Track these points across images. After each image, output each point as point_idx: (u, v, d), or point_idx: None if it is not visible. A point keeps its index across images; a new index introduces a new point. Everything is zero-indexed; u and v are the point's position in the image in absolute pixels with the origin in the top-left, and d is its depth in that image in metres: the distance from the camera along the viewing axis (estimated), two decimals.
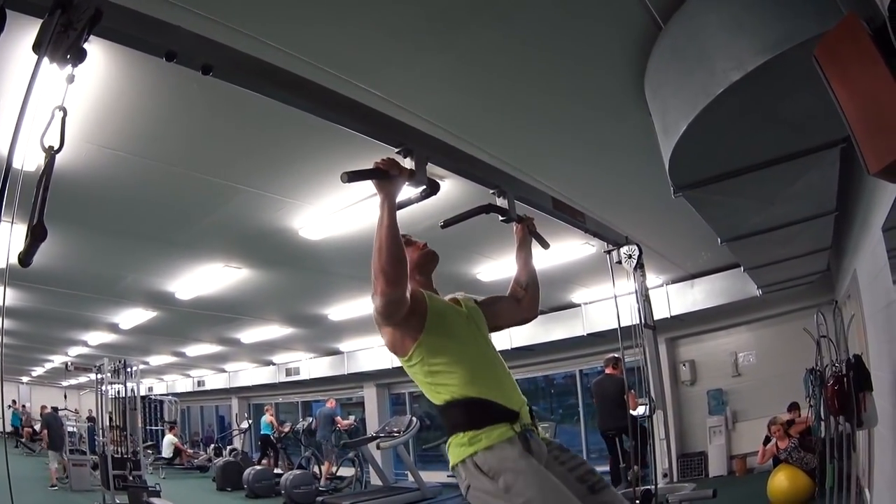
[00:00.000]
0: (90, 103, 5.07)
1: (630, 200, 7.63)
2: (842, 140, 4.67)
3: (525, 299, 4.10)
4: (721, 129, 4.33)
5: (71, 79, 2.42)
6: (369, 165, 3.15)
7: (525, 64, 4.82)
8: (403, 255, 3.05)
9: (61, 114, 2.40)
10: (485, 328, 3.64)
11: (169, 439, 23.61)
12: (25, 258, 2.36)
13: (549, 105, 5.43)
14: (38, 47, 2.33)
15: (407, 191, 3.45)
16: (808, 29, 3.13)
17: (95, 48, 4.29)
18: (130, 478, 13.77)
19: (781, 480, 9.87)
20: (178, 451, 23.79)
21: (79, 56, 2.38)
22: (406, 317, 3.23)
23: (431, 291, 3.63)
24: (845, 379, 6.79)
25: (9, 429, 34.35)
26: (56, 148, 2.39)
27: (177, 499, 12.52)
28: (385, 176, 3.09)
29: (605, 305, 11.75)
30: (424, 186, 3.51)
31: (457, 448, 3.21)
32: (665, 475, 6.12)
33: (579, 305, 14.07)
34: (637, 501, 5.42)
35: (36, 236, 2.33)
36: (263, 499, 16.79)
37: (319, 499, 14.52)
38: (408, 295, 3.16)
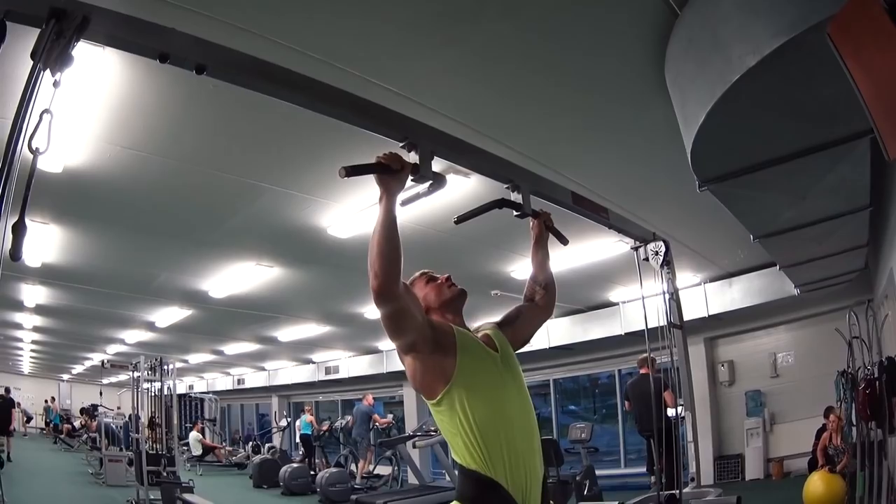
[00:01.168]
0: (112, 106, 5.17)
1: (657, 195, 7.47)
2: (870, 130, 4.53)
3: (541, 298, 3.96)
4: (742, 118, 4.23)
5: (57, 84, 2.47)
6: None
7: (537, 55, 4.74)
8: (397, 252, 2.92)
9: (48, 117, 2.43)
10: (519, 371, 3.44)
11: (194, 436, 23.66)
12: (14, 253, 2.39)
13: (566, 96, 5.35)
14: (35, 55, 2.43)
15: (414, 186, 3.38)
16: (824, 9, 3.01)
17: (112, 53, 4.31)
18: (164, 474, 13.85)
19: (817, 485, 9.60)
20: (208, 449, 23.89)
21: (65, 62, 2.46)
22: (430, 348, 3.12)
23: (463, 328, 3.45)
24: (877, 382, 6.62)
25: (41, 424, 35.12)
26: (43, 150, 2.43)
27: (211, 495, 12.54)
28: (385, 170, 3.01)
29: (646, 304, 11.48)
30: (430, 181, 3.41)
31: None
32: (692, 479, 5.99)
33: (617, 304, 13.96)
34: None
35: (17, 233, 2.37)
36: (299, 496, 16.78)
37: (354, 497, 14.47)
38: (396, 291, 2.99)
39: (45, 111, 2.41)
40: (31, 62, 2.42)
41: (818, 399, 11.31)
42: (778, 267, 9.86)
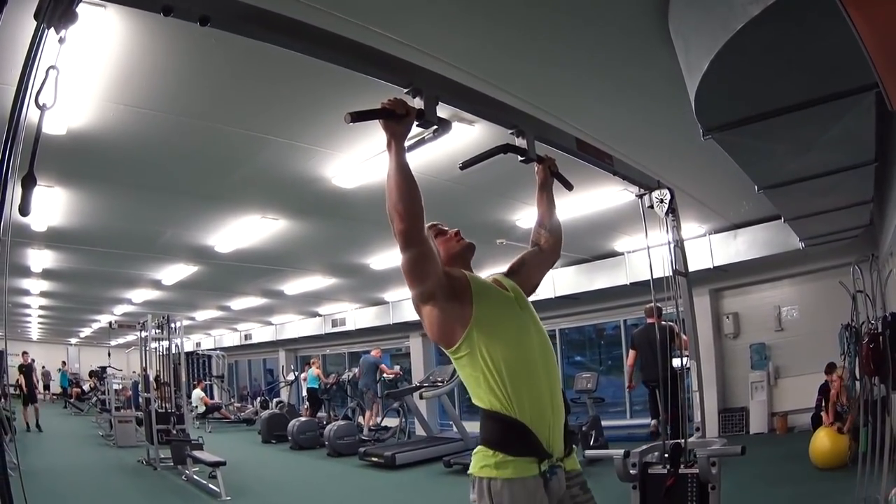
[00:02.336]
0: (112, 65, 5.20)
1: (661, 143, 7.48)
2: (876, 84, 4.52)
3: (548, 242, 4.00)
4: (746, 67, 4.23)
5: (62, 40, 2.47)
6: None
7: (540, 5, 4.73)
8: (415, 191, 2.95)
9: (55, 73, 2.43)
10: (533, 311, 3.49)
11: (196, 394, 24.06)
12: (23, 207, 2.41)
13: (570, 45, 5.33)
14: (38, 15, 2.41)
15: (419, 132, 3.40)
16: None
17: (112, 12, 4.31)
18: (174, 432, 13.99)
19: (823, 441, 9.61)
20: (211, 408, 24.11)
21: (70, 18, 2.45)
22: (446, 295, 3.16)
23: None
24: (881, 337, 6.63)
25: (58, 390, 35.27)
26: (49, 105, 2.42)
27: (220, 451, 12.61)
28: (391, 116, 3.01)
29: (651, 253, 11.38)
30: (435, 126, 3.41)
31: (480, 461, 3.16)
32: (698, 429, 6.02)
33: (622, 254, 14.02)
34: (666, 455, 5.35)
35: (26, 185, 2.42)
36: (308, 450, 16.94)
37: (362, 449, 14.58)
38: (421, 229, 3.04)
39: (52, 67, 2.42)
40: (31, 28, 2.43)
41: (822, 354, 11.31)
42: (783, 219, 9.84)
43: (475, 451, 3.22)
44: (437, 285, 3.13)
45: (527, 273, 3.80)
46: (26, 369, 20.75)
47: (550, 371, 3.31)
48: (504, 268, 3.83)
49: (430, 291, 3.14)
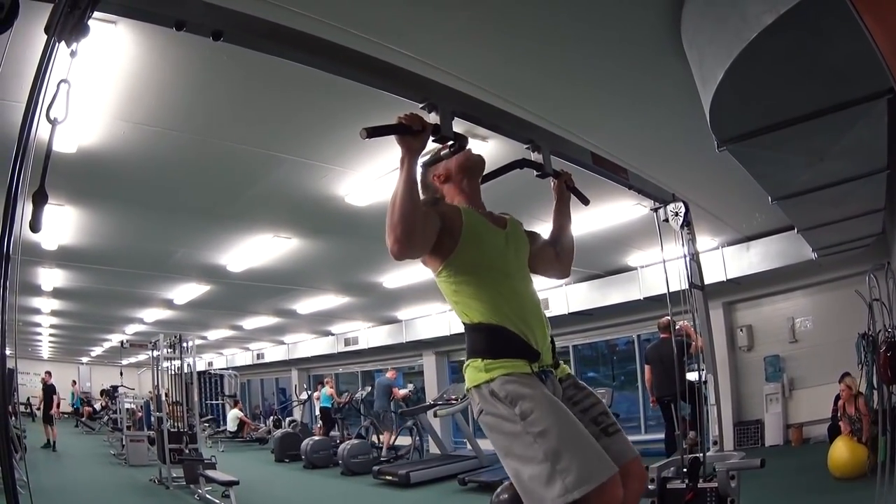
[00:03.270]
0: (123, 82, 5.22)
1: (676, 156, 7.49)
2: (888, 91, 4.51)
3: (560, 256, 3.99)
4: (760, 78, 4.23)
5: (74, 53, 2.48)
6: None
7: (552, 19, 4.74)
8: (416, 215, 2.95)
9: (66, 86, 2.44)
10: (523, 255, 3.58)
11: (234, 414, 24.49)
12: (34, 224, 2.38)
13: (583, 60, 5.34)
14: (48, 29, 2.41)
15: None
16: None
17: (122, 29, 4.32)
18: (186, 451, 13.99)
19: (841, 451, 9.49)
20: (241, 424, 24.24)
21: (82, 31, 2.45)
22: (439, 237, 3.22)
23: (477, 202, 3.61)
24: None
25: (68, 409, 35.30)
26: (61, 119, 2.42)
27: (233, 470, 12.60)
28: (407, 131, 3.00)
29: (661, 269, 11.33)
30: (451, 142, 3.41)
31: (473, 372, 3.22)
32: (715, 443, 6.01)
33: (635, 269, 13.96)
34: (685, 469, 5.33)
35: (37, 202, 2.40)
36: (321, 469, 16.86)
37: (376, 468, 14.55)
38: (416, 251, 3.13)
39: (63, 81, 2.42)
40: (39, 44, 2.43)
41: (837, 364, 11.24)
42: (796, 230, 9.82)
43: (465, 366, 3.30)
44: (433, 248, 3.23)
45: (537, 252, 3.81)
46: (48, 389, 20.77)
47: (532, 299, 3.41)
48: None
49: (415, 258, 3.24)
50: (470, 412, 3.36)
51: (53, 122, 2.40)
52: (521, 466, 3.03)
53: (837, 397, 10.76)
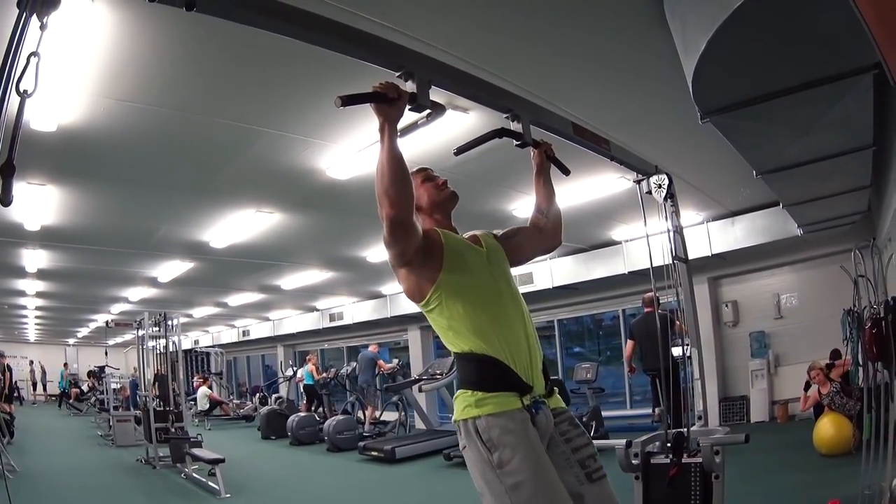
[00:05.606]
0: (103, 60, 5.15)
1: (660, 127, 7.44)
2: (874, 66, 4.47)
3: (547, 226, 3.99)
4: (744, 48, 4.18)
5: (44, 26, 2.43)
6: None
7: None
8: (407, 177, 2.95)
9: (36, 59, 2.40)
10: (507, 269, 3.55)
11: (202, 391, 24.20)
12: (4, 198, 2.35)
13: (564, 28, 5.25)
14: (20, 3, 2.39)
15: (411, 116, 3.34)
16: None
17: (100, 4, 4.26)
18: (173, 430, 13.98)
19: (827, 428, 9.57)
20: (215, 403, 24.16)
21: (52, 4, 2.41)
22: (421, 257, 3.20)
23: (450, 230, 3.54)
24: (883, 322, 6.57)
25: (56, 391, 35.47)
26: (30, 92, 2.41)
27: (219, 448, 12.59)
28: (382, 99, 2.96)
29: (646, 243, 11.25)
30: (429, 110, 3.36)
31: (462, 405, 3.18)
32: (700, 418, 5.99)
33: (620, 243, 13.98)
34: (668, 444, 5.31)
35: (6, 173, 2.34)
36: (307, 445, 16.93)
37: (362, 443, 14.56)
38: (415, 219, 3.10)
39: (33, 54, 2.38)
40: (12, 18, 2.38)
41: (823, 341, 11.36)
42: (781, 205, 9.83)
43: (455, 396, 3.27)
44: (415, 254, 3.17)
45: (517, 244, 3.82)
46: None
47: (523, 317, 3.36)
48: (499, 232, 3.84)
49: (409, 259, 3.19)
50: None
51: (23, 95, 2.38)
52: None
53: (808, 385, 10.83)
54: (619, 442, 5.20)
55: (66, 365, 36.44)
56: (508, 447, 2.99)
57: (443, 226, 3.53)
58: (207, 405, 23.72)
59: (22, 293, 18.53)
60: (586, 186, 9.44)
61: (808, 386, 10.90)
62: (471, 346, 3.18)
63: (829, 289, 11.33)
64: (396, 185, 2.89)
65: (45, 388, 37.47)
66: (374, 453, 13.87)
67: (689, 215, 11.74)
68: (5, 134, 2.31)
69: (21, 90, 2.37)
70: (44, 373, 38.04)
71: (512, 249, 3.71)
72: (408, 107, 3.14)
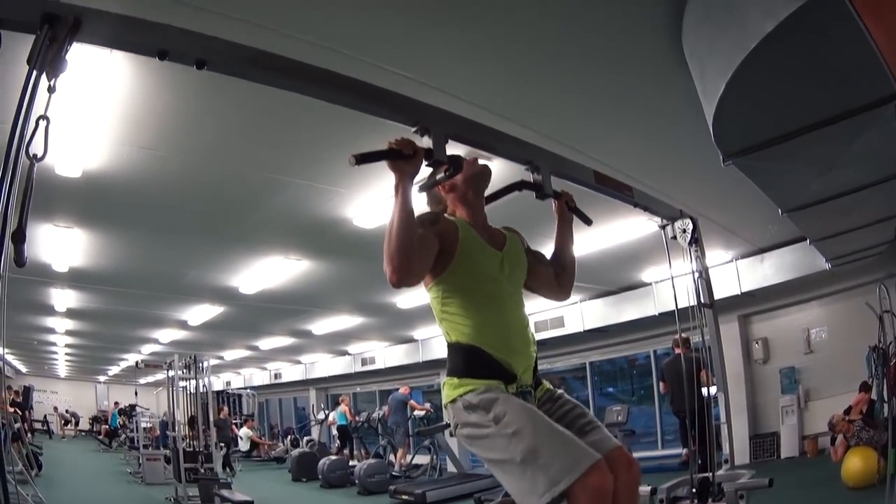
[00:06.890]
0: (125, 107, 5.23)
1: (683, 170, 7.41)
2: (894, 96, 4.45)
3: (559, 281, 3.93)
4: (763, 86, 4.18)
5: (52, 89, 2.49)
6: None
7: (549, 34, 4.71)
8: (413, 244, 2.93)
9: (45, 123, 2.48)
10: (520, 276, 3.56)
11: (244, 432, 24.35)
12: (18, 259, 2.41)
13: (580, 75, 5.29)
14: (30, 61, 2.43)
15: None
16: None
17: (118, 54, 4.31)
18: (202, 470, 13.96)
19: (854, 462, 9.38)
20: (255, 444, 24.22)
21: (60, 66, 2.47)
22: (438, 257, 3.23)
23: (480, 215, 3.59)
24: None
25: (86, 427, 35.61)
26: (40, 156, 2.46)
27: (249, 490, 12.62)
28: (398, 156, 2.96)
29: (676, 283, 11.25)
30: (446, 165, 3.36)
31: (448, 389, 3.26)
32: (726, 461, 5.96)
33: (650, 284, 13.81)
34: (694, 490, 5.28)
35: (16, 240, 2.40)
36: (337, 488, 16.77)
37: (392, 487, 14.50)
38: (415, 279, 3.10)
39: (42, 117, 2.44)
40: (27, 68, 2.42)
41: (853, 374, 11.22)
42: (808, 241, 9.75)
43: (442, 384, 3.32)
44: (421, 279, 3.23)
45: (537, 272, 3.77)
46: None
47: (521, 319, 3.41)
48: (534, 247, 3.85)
49: (413, 286, 3.20)
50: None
51: (33, 159, 2.41)
52: (503, 470, 3.04)
53: (847, 410, 10.70)
54: (644, 488, 5.17)
55: (116, 403, 36.60)
56: (500, 403, 3.04)
57: (473, 206, 3.55)
58: (248, 446, 23.74)
59: (52, 330, 18.67)
60: (614, 230, 9.31)
61: (833, 440, 10.78)
62: (461, 337, 3.23)
63: (859, 321, 11.18)
64: (403, 251, 2.89)
65: (76, 424, 37.58)
66: (404, 497, 13.73)
67: (718, 254, 11.69)
68: (16, 199, 2.34)
69: (31, 154, 2.41)
70: (73, 413, 38.21)
71: (531, 270, 3.68)
72: (424, 162, 3.14)
